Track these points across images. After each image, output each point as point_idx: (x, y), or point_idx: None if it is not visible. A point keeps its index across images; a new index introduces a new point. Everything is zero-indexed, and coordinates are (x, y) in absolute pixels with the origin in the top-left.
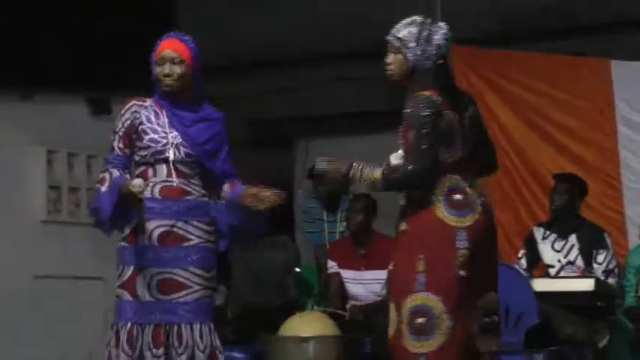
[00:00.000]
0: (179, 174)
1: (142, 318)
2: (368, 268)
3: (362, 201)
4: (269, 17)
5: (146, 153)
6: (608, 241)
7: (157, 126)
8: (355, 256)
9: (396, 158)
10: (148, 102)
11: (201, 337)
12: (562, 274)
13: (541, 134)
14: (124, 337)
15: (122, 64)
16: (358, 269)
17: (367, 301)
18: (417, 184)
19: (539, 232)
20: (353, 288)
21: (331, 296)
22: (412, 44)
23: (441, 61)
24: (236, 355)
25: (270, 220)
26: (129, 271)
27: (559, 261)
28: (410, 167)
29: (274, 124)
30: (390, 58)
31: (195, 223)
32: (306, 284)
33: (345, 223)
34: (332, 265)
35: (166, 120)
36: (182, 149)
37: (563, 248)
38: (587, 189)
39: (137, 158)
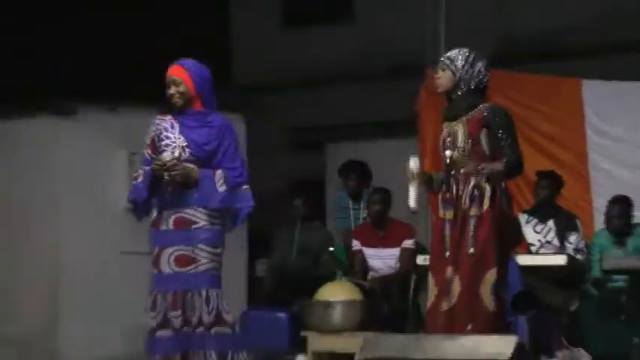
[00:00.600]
0: None
1: (164, 287)
2: (385, 246)
3: (380, 193)
4: (311, 42)
5: None
6: (579, 225)
7: (171, 134)
8: (374, 236)
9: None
10: (168, 117)
11: (207, 301)
12: (541, 251)
13: (526, 138)
14: (154, 302)
15: None
16: (377, 247)
17: (384, 273)
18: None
19: (523, 218)
20: (373, 262)
21: (355, 269)
22: (459, 63)
23: (481, 85)
24: (279, 315)
25: (308, 209)
26: (155, 251)
27: (539, 241)
28: (516, 160)
29: (309, 132)
30: (440, 74)
31: (201, 210)
32: (336, 260)
33: (366, 211)
34: (356, 244)
35: (177, 128)
36: (187, 150)
37: (542, 230)
38: (563, 183)
39: None
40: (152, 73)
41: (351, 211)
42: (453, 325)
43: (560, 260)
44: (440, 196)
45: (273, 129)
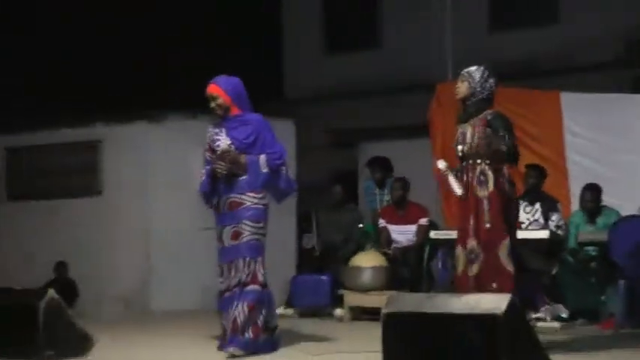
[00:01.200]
0: None
1: (226, 258)
2: (405, 223)
3: (400, 182)
4: (345, 64)
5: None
6: (559, 207)
7: (220, 137)
8: (396, 216)
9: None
10: (220, 123)
11: (248, 265)
12: (529, 228)
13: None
14: (221, 271)
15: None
16: (398, 224)
17: (404, 245)
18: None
19: None
20: (395, 236)
21: (381, 242)
22: (476, 77)
23: (490, 96)
24: (322, 278)
25: (345, 194)
26: (218, 229)
27: (528, 219)
28: (512, 148)
29: (344, 134)
30: (459, 84)
31: (247, 193)
32: (366, 234)
33: (389, 196)
34: (381, 222)
35: (224, 132)
36: (232, 146)
37: (530, 211)
38: (546, 174)
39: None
40: None
41: (377, 196)
42: (481, 286)
43: (544, 235)
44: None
45: (316, 132)
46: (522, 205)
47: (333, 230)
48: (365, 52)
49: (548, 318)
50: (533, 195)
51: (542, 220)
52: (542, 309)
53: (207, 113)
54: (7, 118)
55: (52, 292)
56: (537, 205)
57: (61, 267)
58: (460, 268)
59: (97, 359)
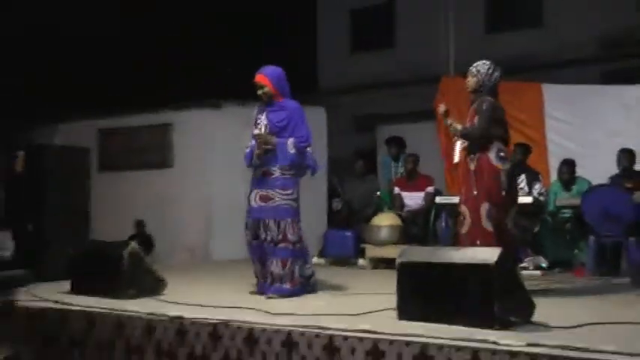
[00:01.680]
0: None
1: (252, 215)
2: (414, 191)
3: (412, 157)
4: (367, 61)
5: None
6: (541, 178)
7: (260, 118)
8: (408, 184)
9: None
10: (264, 107)
11: (278, 226)
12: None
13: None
14: (246, 225)
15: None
16: (409, 191)
17: (414, 208)
18: (474, 141)
19: None
20: (407, 201)
21: (395, 205)
22: (483, 72)
23: (494, 87)
24: (347, 234)
25: (366, 167)
26: (249, 192)
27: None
28: (476, 131)
29: (366, 118)
30: (469, 78)
31: (277, 166)
32: (383, 200)
33: (402, 168)
34: (396, 190)
35: (265, 114)
36: (268, 127)
37: (518, 180)
38: (531, 151)
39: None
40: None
41: (392, 169)
42: (471, 242)
43: (529, 200)
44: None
45: (343, 117)
46: None
47: (356, 196)
48: (382, 52)
49: (531, 267)
50: (520, 168)
51: (527, 189)
52: (526, 260)
53: (255, 101)
54: (99, 105)
55: (133, 244)
56: (523, 177)
57: (140, 224)
58: (458, 226)
59: (168, 297)
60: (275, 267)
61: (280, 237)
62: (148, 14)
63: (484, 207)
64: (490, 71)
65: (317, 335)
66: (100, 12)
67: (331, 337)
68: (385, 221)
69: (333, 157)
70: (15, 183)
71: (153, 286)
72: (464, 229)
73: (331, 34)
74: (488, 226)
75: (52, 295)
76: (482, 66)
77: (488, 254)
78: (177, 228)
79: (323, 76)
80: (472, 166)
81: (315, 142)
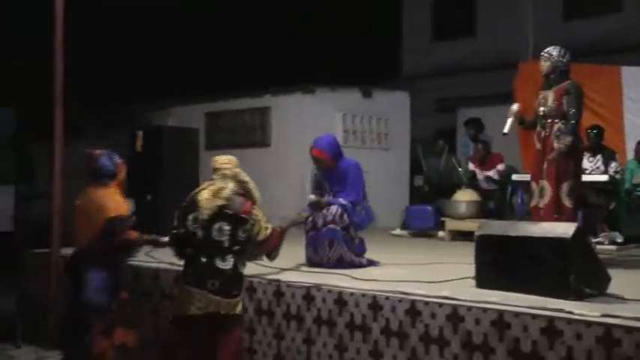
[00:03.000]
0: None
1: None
2: (488, 169)
3: (483, 143)
4: (448, 49)
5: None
6: (617, 157)
7: (319, 177)
8: (482, 163)
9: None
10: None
11: (331, 211)
12: (592, 173)
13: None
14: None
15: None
16: (482, 169)
17: (487, 187)
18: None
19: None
20: (480, 178)
21: (471, 182)
22: (555, 56)
23: (567, 69)
24: (428, 208)
25: (447, 146)
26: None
27: (591, 167)
28: (574, 125)
29: (447, 102)
30: (542, 63)
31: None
32: (462, 176)
33: (479, 147)
34: (472, 167)
35: (324, 176)
36: (327, 187)
37: (593, 161)
38: (604, 132)
39: None
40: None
41: (471, 148)
42: (547, 215)
43: (605, 178)
44: (535, 136)
45: (426, 101)
46: (586, 156)
47: (437, 173)
48: (463, 39)
49: (607, 242)
50: (596, 148)
51: (602, 168)
52: (601, 235)
53: (345, 86)
54: (206, 91)
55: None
56: (599, 156)
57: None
58: (533, 201)
59: (266, 262)
60: (326, 248)
61: (329, 221)
62: (245, 9)
63: (566, 185)
64: (562, 54)
65: (400, 300)
66: (208, 6)
67: (413, 302)
68: (465, 197)
69: (415, 137)
70: (136, 159)
71: (254, 252)
72: (542, 203)
73: (415, 23)
74: (567, 202)
75: (167, 257)
76: (553, 50)
77: (565, 228)
78: (274, 201)
79: (407, 62)
80: (558, 145)
81: (399, 124)
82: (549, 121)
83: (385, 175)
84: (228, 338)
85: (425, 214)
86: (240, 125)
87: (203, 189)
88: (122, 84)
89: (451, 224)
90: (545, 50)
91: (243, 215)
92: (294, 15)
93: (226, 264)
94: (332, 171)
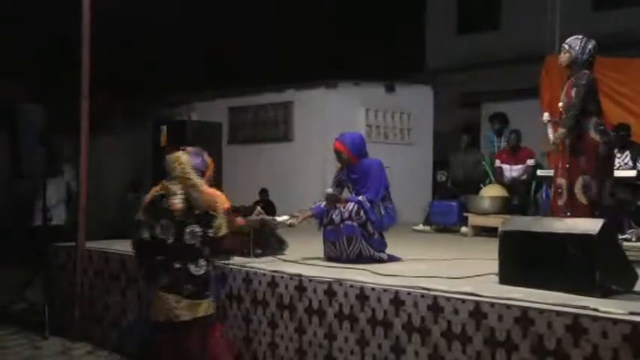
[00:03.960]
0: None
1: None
2: (516, 163)
3: (515, 133)
4: (472, 42)
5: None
6: None
7: (341, 176)
8: (509, 157)
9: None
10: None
11: (347, 208)
12: (620, 169)
13: (611, 98)
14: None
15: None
16: (510, 164)
17: (515, 178)
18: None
19: None
20: (508, 173)
21: (498, 178)
22: (575, 47)
23: (591, 59)
24: (452, 203)
25: (470, 141)
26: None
27: (619, 162)
28: (572, 119)
29: (472, 96)
30: (561, 55)
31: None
32: (487, 172)
33: (505, 143)
34: (498, 162)
35: (346, 174)
36: (345, 182)
37: (621, 156)
38: (632, 129)
39: None
40: (376, 63)
41: (495, 143)
42: (564, 213)
43: (633, 173)
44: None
45: (449, 95)
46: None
47: (460, 168)
48: (487, 33)
49: (634, 239)
50: (623, 145)
51: (631, 163)
52: (629, 232)
53: (368, 80)
54: (229, 86)
55: (259, 209)
56: (627, 152)
57: (263, 191)
58: (553, 198)
59: (287, 256)
60: (343, 243)
61: (346, 217)
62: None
63: (579, 181)
64: (582, 45)
65: (422, 295)
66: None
67: (435, 298)
68: (489, 192)
69: (439, 132)
70: (161, 153)
71: (276, 247)
72: (560, 202)
73: (438, 16)
74: (582, 199)
75: None
76: (574, 41)
77: (591, 224)
78: (295, 194)
79: (431, 56)
80: (571, 141)
81: (422, 118)
82: (564, 116)
83: (408, 171)
84: (211, 338)
85: (448, 210)
86: (263, 120)
87: (161, 194)
88: (146, 79)
89: (475, 220)
90: (567, 41)
91: (211, 212)
92: (318, 10)
93: (199, 269)
94: (354, 170)
